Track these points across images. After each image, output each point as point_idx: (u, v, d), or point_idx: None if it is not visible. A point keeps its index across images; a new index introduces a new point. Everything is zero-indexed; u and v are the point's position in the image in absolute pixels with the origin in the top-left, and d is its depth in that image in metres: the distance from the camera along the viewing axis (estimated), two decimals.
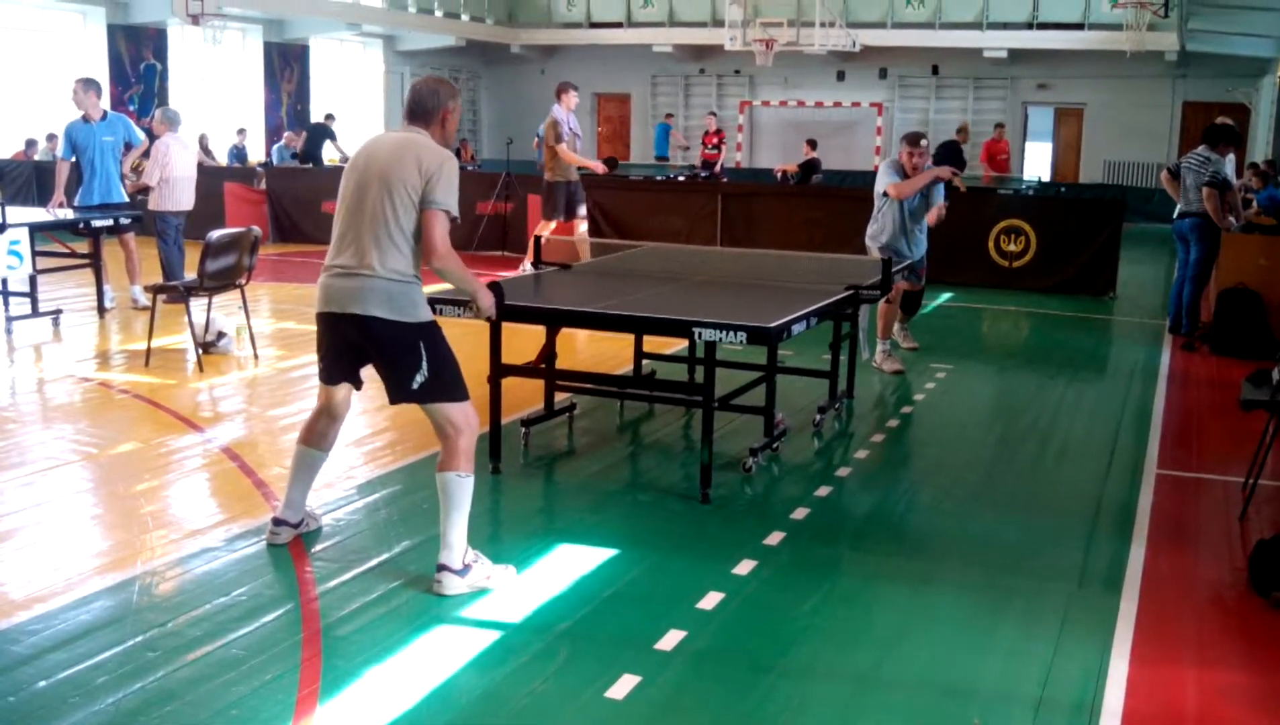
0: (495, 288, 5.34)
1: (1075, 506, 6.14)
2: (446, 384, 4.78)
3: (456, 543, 4.76)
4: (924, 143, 9.08)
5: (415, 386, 4.71)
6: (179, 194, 11.31)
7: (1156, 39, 24.60)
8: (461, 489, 4.76)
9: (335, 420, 5.19)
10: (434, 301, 5.98)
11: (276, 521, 5.25)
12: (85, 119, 11.09)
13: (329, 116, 22.54)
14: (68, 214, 11.04)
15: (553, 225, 13.45)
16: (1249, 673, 4.33)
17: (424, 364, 4.70)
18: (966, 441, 7.40)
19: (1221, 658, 4.46)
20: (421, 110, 4.84)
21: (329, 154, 21.52)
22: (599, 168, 14.52)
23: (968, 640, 4.50)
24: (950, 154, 17.74)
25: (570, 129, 13.14)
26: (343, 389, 5.09)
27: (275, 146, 24.18)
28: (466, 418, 4.81)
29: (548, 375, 6.90)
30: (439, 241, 4.64)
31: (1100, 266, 13.69)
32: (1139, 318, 12.38)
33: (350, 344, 4.81)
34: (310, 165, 20.54)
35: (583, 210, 13.88)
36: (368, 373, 5.00)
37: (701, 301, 6.65)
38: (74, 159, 11.22)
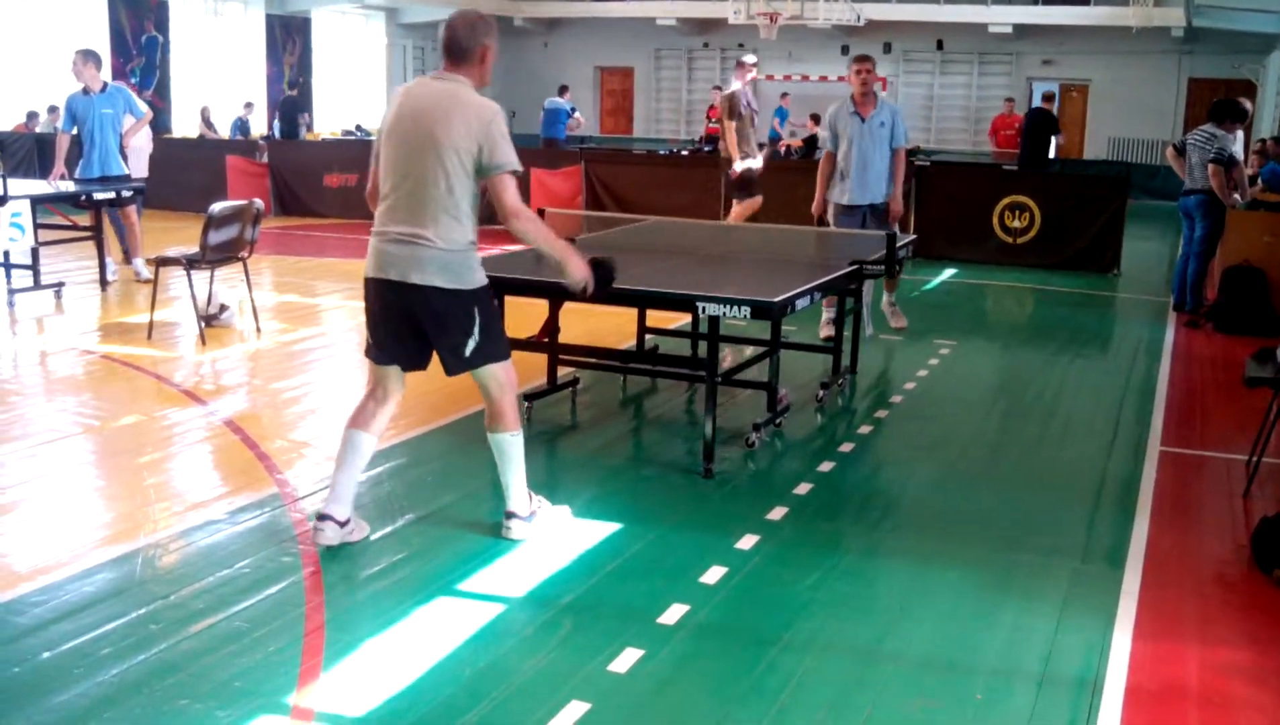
0: (599, 266, 5.01)
1: (1079, 483, 6.13)
2: (495, 345, 4.77)
3: (518, 492, 4.96)
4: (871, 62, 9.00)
5: (469, 353, 4.67)
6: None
7: (1163, 14, 24.51)
8: (515, 446, 4.93)
9: (386, 402, 4.92)
10: (504, 282, 5.95)
11: (321, 516, 4.88)
12: (85, 91, 11.06)
13: (293, 86, 22.32)
14: (69, 186, 11.02)
15: (754, 201, 12.40)
16: (1251, 650, 4.33)
17: (476, 329, 4.66)
18: (970, 418, 7.39)
19: (1224, 635, 4.46)
20: (459, 50, 4.62)
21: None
22: (755, 165, 12.59)
23: (971, 616, 4.50)
24: (1045, 120, 17.68)
25: (749, 104, 12.43)
26: (394, 370, 4.87)
27: (276, 120, 24.13)
28: (510, 377, 4.87)
29: (550, 349, 6.89)
30: (511, 204, 4.53)
31: (1104, 243, 13.66)
32: (1143, 295, 12.34)
33: (405, 313, 4.66)
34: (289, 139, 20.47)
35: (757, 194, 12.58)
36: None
37: (705, 276, 6.62)
38: (74, 131, 11.18)
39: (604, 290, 5.10)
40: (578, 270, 4.85)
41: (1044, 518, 5.60)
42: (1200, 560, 5.15)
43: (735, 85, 12.25)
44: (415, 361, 4.87)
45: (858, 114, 9.00)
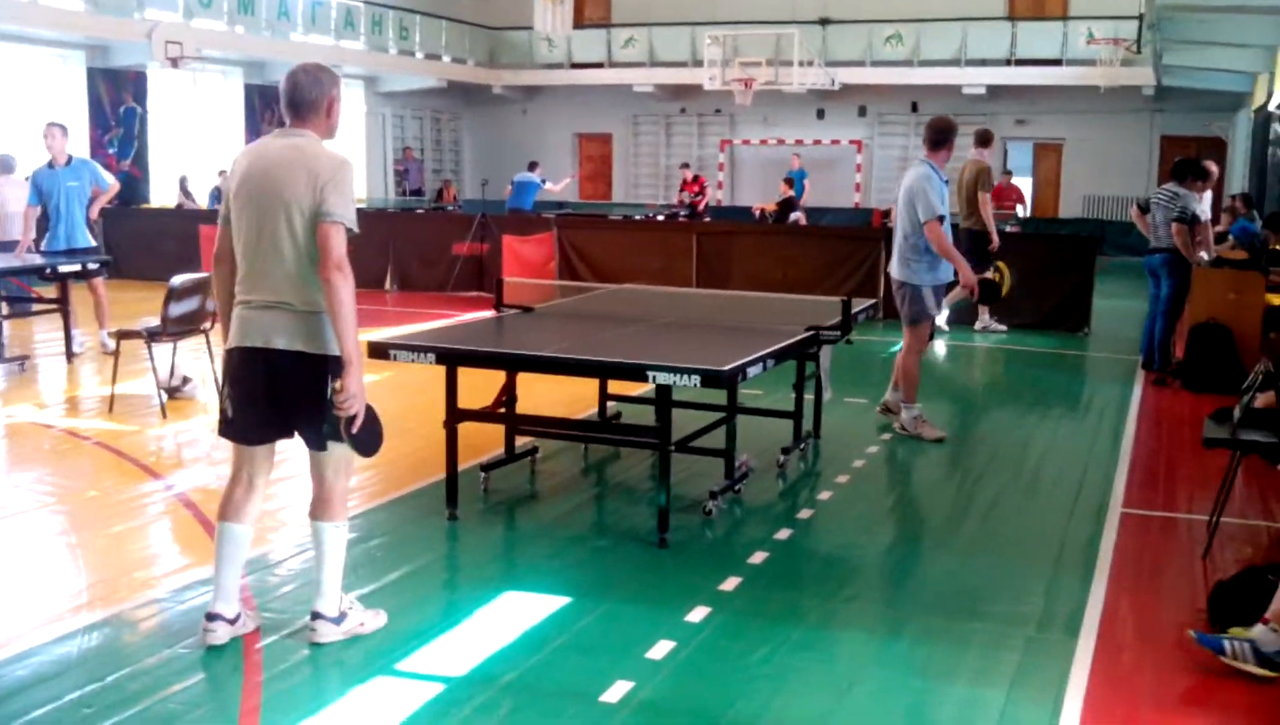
0: (371, 421, 4.46)
1: (1039, 547, 6.09)
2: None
3: (330, 591, 4.64)
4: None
5: (326, 427, 4.41)
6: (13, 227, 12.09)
7: (1132, 74, 24.76)
8: (338, 539, 4.62)
9: (255, 489, 4.63)
10: (387, 346, 5.97)
11: (210, 616, 4.63)
12: (50, 165, 11.07)
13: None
14: (36, 259, 10.99)
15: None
16: (1206, 717, 4.28)
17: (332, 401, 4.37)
18: (933, 481, 7.36)
19: (1177, 702, 4.41)
20: (304, 103, 4.42)
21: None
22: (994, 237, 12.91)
23: (922, 688, 4.44)
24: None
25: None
26: (263, 450, 4.62)
27: None
28: (350, 464, 4.61)
29: (507, 419, 6.84)
30: (338, 254, 4.24)
31: (1074, 302, 13.71)
32: (1113, 353, 12.36)
33: (274, 382, 4.43)
34: None
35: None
36: None
37: (661, 344, 6.60)
38: (39, 206, 11.16)
39: (368, 452, 4.54)
40: (356, 381, 4.31)
41: (1002, 583, 5.55)
42: (1157, 625, 5.10)
43: (982, 157, 12.72)
44: (282, 432, 4.60)
45: (947, 183, 8.30)
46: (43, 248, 11.22)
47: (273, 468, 4.76)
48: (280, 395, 4.47)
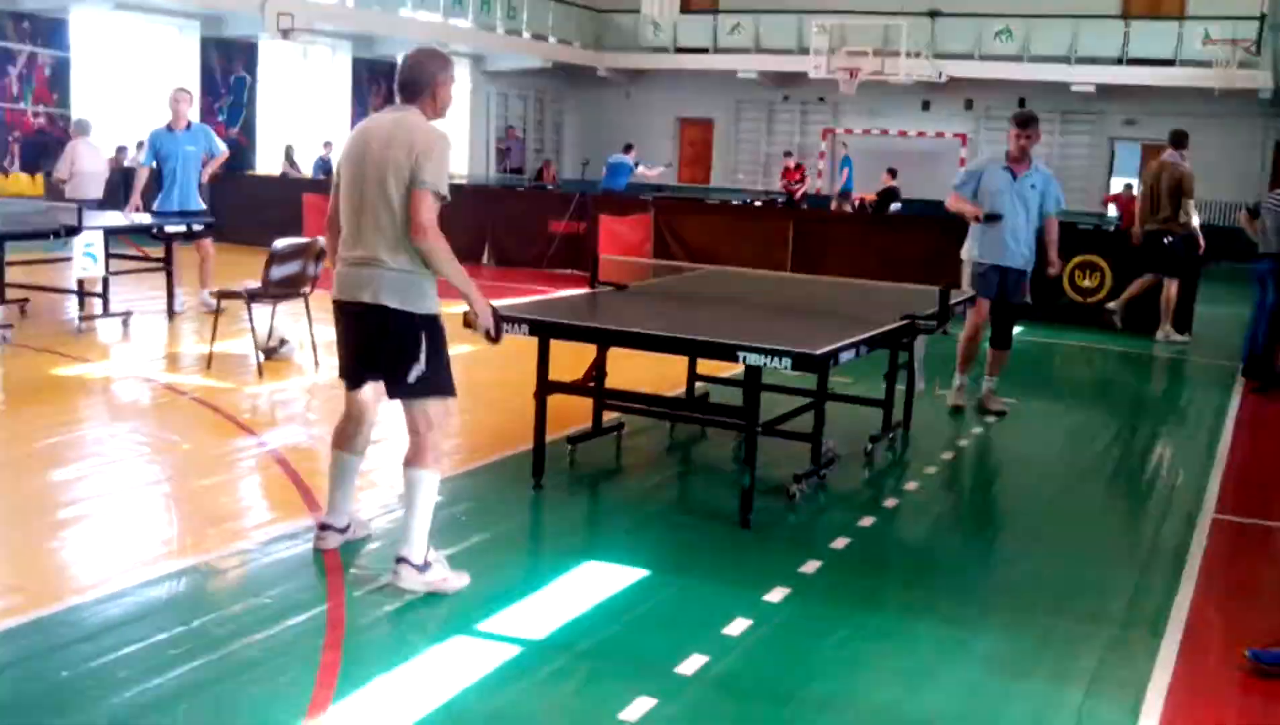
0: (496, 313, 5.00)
1: (1126, 548, 5.99)
2: (439, 378, 4.80)
3: (419, 537, 4.81)
4: (1035, 127, 8.52)
5: (412, 379, 4.73)
6: (88, 186, 13.49)
7: (1249, 76, 24.17)
8: (430, 485, 4.84)
9: (362, 423, 5.14)
10: (549, 325, 6.00)
11: (322, 526, 5.24)
12: (170, 127, 11.31)
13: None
14: (144, 218, 11.25)
15: (1175, 285, 12.79)
16: None
17: (423, 356, 4.71)
18: (1022, 478, 7.26)
19: (1259, 713, 4.30)
20: (412, 84, 4.79)
21: None
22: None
23: (998, 683, 4.38)
24: None
25: None
26: (366, 390, 5.05)
27: None
28: (444, 415, 4.89)
29: (595, 393, 6.88)
30: (424, 219, 4.57)
31: (1177, 307, 13.39)
32: (1214, 359, 12.08)
33: (362, 333, 4.80)
34: None
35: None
36: None
37: (753, 325, 6.58)
38: (154, 165, 11.42)
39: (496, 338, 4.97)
40: (486, 313, 4.86)
41: (1087, 582, 5.47)
42: (1246, 632, 4.96)
43: (1178, 159, 12.47)
44: (373, 376, 4.97)
45: (1009, 169, 8.54)
46: (154, 208, 11.47)
47: (376, 407, 5.16)
48: (366, 344, 4.83)
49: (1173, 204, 12.56)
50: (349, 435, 5.15)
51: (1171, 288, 12.80)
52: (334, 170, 4.97)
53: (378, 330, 4.73)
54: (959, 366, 8.82)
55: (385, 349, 4.75)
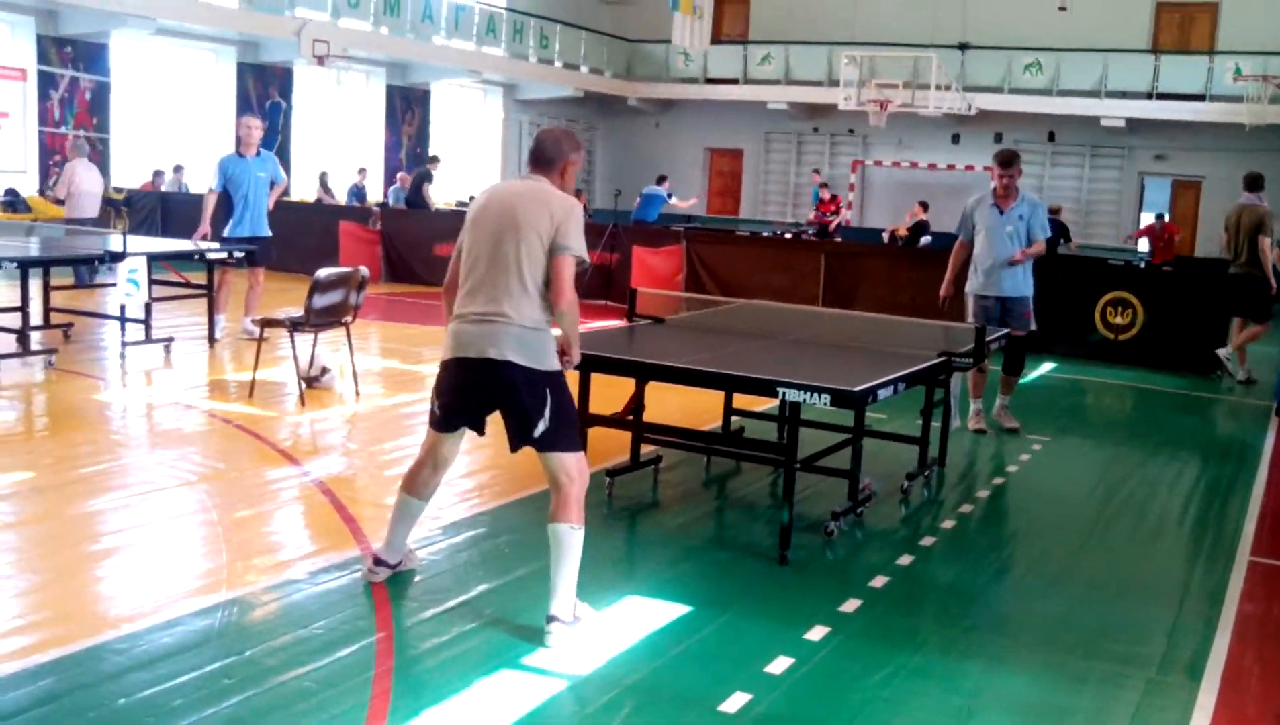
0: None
1: (1162, 589, 6.01)
2: (567, 433, 4.90)
3: (567, 594, 4.84)
4: (1016, 165, 8.96)
5: (538, 434, 4.81)
6: (84, 206, 14.50)
7: None
8: (574, 540, 4.85)
9: (439, 469, 5.22)
10: (590, 359, 6.06)
11: (377, 560, 5.35)
12: (240, 153, 11.48)
13: (433, 159, 22.78)
14: (213, 245, 11.34)
15: (1260, 328, 12.76)
16: None
17: (548, 411, 4.80)
18: (1057, 517, 7.29)
19: None
20: (545, 159, 5.01)
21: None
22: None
23: (1038, 723, 4.42)
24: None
25: None
26: (454, 438, 5.15)
27: (391, 188, 24.70)
28: (580, 468, 4.93)
29: (634, 426, 6.96)
30: (567, 286, 4.81)
31: (1208, 344, 13.39)
32: (1246, 398, 12.08)
33: (483, 389, 4.88)
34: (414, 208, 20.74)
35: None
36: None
37: (791, 361, 6.66)
38: (222, 191, 11.55)
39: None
40: (578, 355, 5.13)
41: (1123, 624, 5.49)
42: None
43: (1257, 201, 12.47)
44: (473, 423, 5.08)
45: (996, 206, 9.09)
46: (225, 234, 11.60)
47: (456, 457, 5.30)
48: (484, 398, 4.93)
49: (1251, 247, 12.46)
50: (422, 482, 5.23)
51: (1255, 329, 12.73)
52: (460, 235, 5.08)
53: (502, 385, 4.82)
54: (972, 393, 9.32)
55: (511, 403, 4.84)
